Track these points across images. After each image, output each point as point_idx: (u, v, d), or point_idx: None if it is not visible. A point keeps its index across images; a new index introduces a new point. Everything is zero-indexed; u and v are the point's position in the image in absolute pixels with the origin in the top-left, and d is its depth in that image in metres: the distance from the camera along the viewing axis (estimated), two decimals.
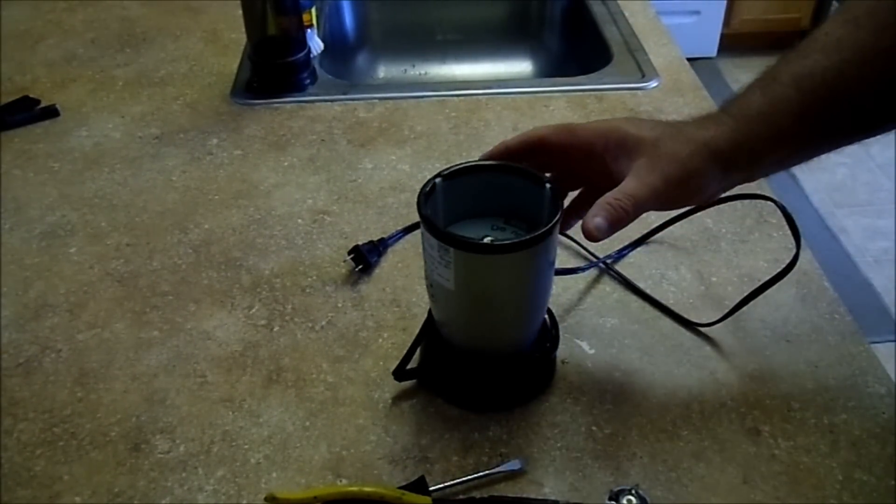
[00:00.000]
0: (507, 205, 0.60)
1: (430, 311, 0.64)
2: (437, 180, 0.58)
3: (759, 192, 0.78)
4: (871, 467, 0.58)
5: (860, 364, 0.66)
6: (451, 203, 0.59)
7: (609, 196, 0.54)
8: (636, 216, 0.54)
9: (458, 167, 0.59)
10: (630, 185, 0.54)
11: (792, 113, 0.53)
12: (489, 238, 0.58)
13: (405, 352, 0.63)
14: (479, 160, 0.60)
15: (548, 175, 0.58)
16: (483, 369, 0.62)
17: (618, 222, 0.54)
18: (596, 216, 0.53)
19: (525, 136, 0.60)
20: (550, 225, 0.54)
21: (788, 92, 0.53)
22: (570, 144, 0.59)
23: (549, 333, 0.65)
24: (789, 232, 0.67)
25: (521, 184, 0.58)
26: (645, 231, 0.78)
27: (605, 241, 0.54)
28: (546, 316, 0.65)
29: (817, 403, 0.63)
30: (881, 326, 2.01)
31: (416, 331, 0.65)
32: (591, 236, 0.53)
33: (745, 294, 0.69)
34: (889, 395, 0.63)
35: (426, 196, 0.56)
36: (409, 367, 0.63)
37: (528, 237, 0.53)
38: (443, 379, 0.63)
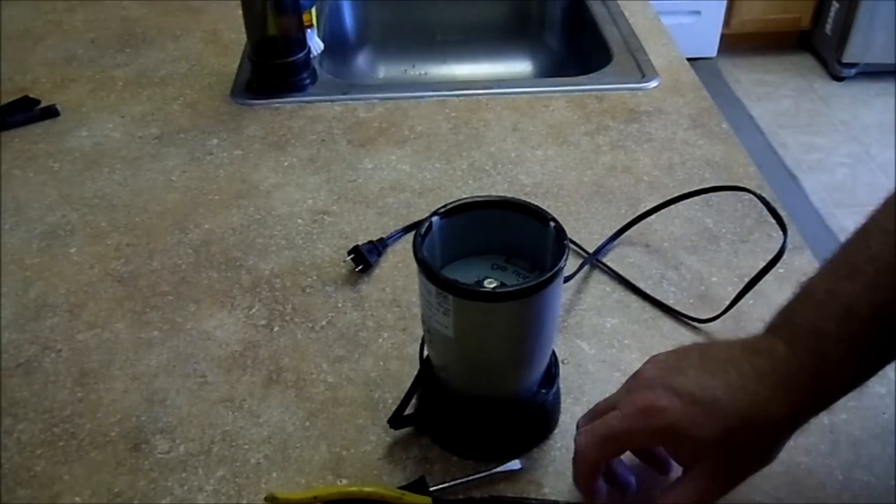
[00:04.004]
0: (507, 242, 0.56)
1: (422, 348, 0.60)
2: (434, 218, 0.54)
3: (737, 184, 0.79)
4: (871, 467, 0.58)
5: None
6: (450, 241, 0.55)
7: (667, 501, 0.48)
8: None
9: (456, 203, 0.55)
10: (689, 491, 0.48)
11: (873, 355, 0.46)
12: (489, 280, 0.54)
13: (402, 397, 0.59)
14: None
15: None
16: (483, 415, 0.58)
17: None
18: None
19: (589, 470, 0.51)
20: (557, 268, 0.50)
21: (869, 330, 0.45)
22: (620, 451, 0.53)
23: (552, 373, 0.61)
24: (789, 231, 0.67)
25: (522, 220, 0.55)
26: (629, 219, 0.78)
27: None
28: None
29: None
30: None
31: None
32: None
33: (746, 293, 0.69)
34: (889, 395, 0.63)
35: (423, 237, 0.53)
36: (405, 412, 0.59)
37: (532, 283, 0.49)
38: (441, 425, 0.60)
